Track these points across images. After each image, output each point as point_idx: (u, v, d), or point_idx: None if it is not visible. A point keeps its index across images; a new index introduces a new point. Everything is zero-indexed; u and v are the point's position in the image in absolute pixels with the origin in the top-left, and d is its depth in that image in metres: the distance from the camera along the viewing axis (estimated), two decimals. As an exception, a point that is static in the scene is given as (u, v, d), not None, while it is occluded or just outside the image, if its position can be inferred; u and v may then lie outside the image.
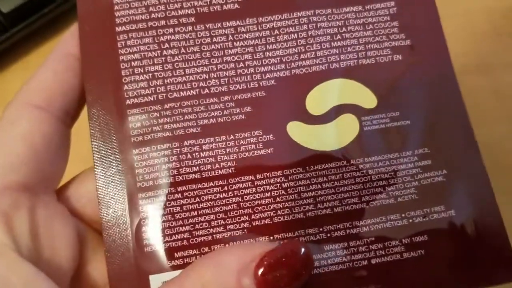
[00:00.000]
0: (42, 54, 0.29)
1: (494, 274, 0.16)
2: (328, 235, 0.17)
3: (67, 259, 0.17)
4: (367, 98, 0.18)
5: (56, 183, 0.18)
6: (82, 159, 0.19)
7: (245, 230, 0.17)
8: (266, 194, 0.17)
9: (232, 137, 0.17)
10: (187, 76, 0.18)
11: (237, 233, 0.17)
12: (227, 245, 0.16)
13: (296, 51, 0.18)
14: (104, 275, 0.18)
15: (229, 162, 0.17)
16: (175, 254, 0.16)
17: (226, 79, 0.18)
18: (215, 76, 0.18)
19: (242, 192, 0.17)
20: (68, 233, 0.17)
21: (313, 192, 0.17)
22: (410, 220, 0.17)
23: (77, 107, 0.18)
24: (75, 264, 0.17)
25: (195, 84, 0.18)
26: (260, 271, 0.14)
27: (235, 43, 0.18)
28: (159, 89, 0.18)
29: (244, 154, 0.17)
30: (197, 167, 0.17)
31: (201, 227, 0.17)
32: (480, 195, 0.17)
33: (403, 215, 0.17)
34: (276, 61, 0.18)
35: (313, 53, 0.18)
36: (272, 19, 0.18)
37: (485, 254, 0.16)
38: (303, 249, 0.15)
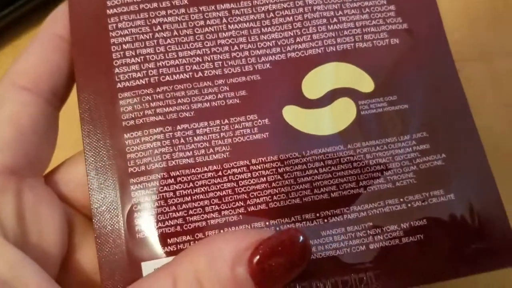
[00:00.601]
0: (32, 37, 0.28)
1: (495, 258, 0.16)
2: (325, 220, 0.16)
3: (55, 244, 0.16)
4: (364, 82, 0.18)
5: (44, 167, 0.17)
6: (72, 145, 0.19)
7: (240, 215, 0.16)
8: (262, 179, 0.17)
9: (226, 121, 0.17)
10: (180, 59, 0.17)
11: (232, 218, 0.16)
12: (221, 231, 0.16)
13: (292, 34, 0.18)
14: (93, 262, 0.17)
15: (223, 147, 0.17)
16: (168, 240, 0.16)
17: (220, 62, 0.18)
18: (209, 59, 0.18)
19: (237, 177, 0.17)
20: (56, 217, 0.17)
21: (309, 177, 0.17)
22: (409, 205, 0.17)
23: (65, 89, 0.18)
24: (64, 250, 0.17)
25: (188, 68, 0.17)
26: (255, 260, 0.14)
27: (229, 26, 0.18)
28: (151, 72, 0.17)
29: (239, 139, 0.17)
30: (191, 152, 0.17)
31: (195, 213, 0.16)
32: (480, 178, 0.17)
33: (401, 199, 0.17)
34: (271, 45, 0.18)
35: (309, 36, 0.18)
36: (267, 2, 0.18)
37: (486, 238, 0.16)
38: (301, 238, 0.14)
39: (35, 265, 0.14)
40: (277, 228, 0.16)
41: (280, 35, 0.18)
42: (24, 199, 0.16)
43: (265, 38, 0.18)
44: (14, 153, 0.16)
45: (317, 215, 0.17)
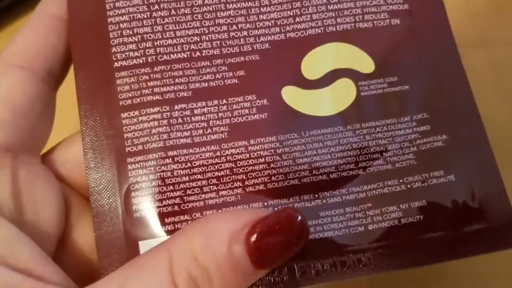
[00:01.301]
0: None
1: (496, 240, 0.16)
2: (324, 201, 0.16)
3: (51, 223, 0.16)
4: (364, 63, 0.18)
5: (40, 145, 0.17)
6: (68, 129, 0.19)
7: (239, 196, 0.16)
8: (260, 159, 0.17)
9: (224, 101, 0.17)
10: (177, 39, 0.17)
11: (230, 199, 0.16)
12: (219, 211, 0.16)
13: (291, 14, 0.18)
14: (90, 242, 0.17)
15: (221, 127, 0.17)
16: (166, 219, 0.16)
17: (218, 42, 0.17)
18: (207, 39, 0.17)
19: (235, 157, 0.17)
20: (52, 196, 0.17)
21: (308, 158, 0.17)
22: (409, 186, 0.17)
23: (61, 69, 0.18)
24: (60, 229, 0.17)
25: (186, 47, 0.17)
26: (252, 238, 0.14)
27: (227, 5, 0.18)
28: (148, 52, 0.17)
29: (237, 119, 0.17)
30: (189, 132, 0.17)
31: (193, 193, 0.16)
32: (481, 159, 0.17)
33: (401, 180, 0.17)
34: (270, 24, 0.18)
35: (309, 16, 0.18)
36: (266, -19, 0.18)
37: (486, 219, 0.16)
38: (299, 217, 0.14)
39: (30, 242, 0.14)
40: (275, 209, 0.16)
41: (279, 14, 0.18)
42: (19, 177, 0.16)
43: (264, 18, 0.18)
44: (9, 131, 0.16)
45: (316, 196, 0.17)
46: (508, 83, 0.26)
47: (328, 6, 0.18)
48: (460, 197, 0.17)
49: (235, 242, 0.14)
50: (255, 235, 0.14)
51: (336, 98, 0.18)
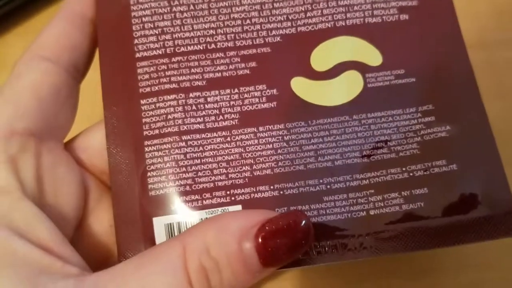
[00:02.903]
0: (44, 18, 0.29)
1: (497, 228, 0.17)
2: (328, 186, 0.17)
3: (71, 206, 0.18)
4: (372, 56, 0.19)
5: (63, 133, 0.19)
6: (90, 120, 0.20)
7: (247, 179, 0.17)
8: (268, 146, 0.18)
9: (236, 90, 0.18)
10: (194, 32, 0.19)
11: (238, 181, 0.17)
12: (228, 192, 0.17)
13: (303, 9, 0.19)
14: (106, 226, 0.19)
15: (232, 114, 0.18)
16: (178, 198, 0.17)
17: (232, 35, 0.19)
18: (222, 32, 0.19)
19: (244, 143, 0.18)
20: (73, 181, 0.18)
21: (314, 145, 0.18)
22: (411, 174, 0.17)
23: (84, 63, 0.19)
24: (79, 214, 0.18)
25: (202, 40, 0.19)
26: (261, 236, 0.15)
27: (242, 1, 0.19)
28: (167, 44, 0.19)
29: (248, 107, 0.18)
30: (202, 118, 0.18)
31: (204, 175, 0.17)
32: (484, 150, 0.17)
33: (403, 169, 0.17)
34: (282, 19, 0.19)
35: (320, 11, 0.19)
36: (280, -22, 0.19)
37: (488, 208, 0.17)
38: (304, 221, 0.15)
39: (50, 222, 0.16)
40: (281, 192, 0.17)
41: (291, 10, 0.19)
42: (42, 161, 0.17)
43: (277, 13, 0.19)
44: (34, 117, 0.17)
45: (320, 181, 0.18)
46: (507, 83, 0.26)
47: (338, 2, 0.19)
48: (461, 186, 0.17)
49: (245, 239, 0.15)
50: (263, 234, 0.15)
51: (344, 89, 0.18)
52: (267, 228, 0.15)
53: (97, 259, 0.18)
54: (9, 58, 0.18)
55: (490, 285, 0.22)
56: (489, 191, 0.17)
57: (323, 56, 0.19)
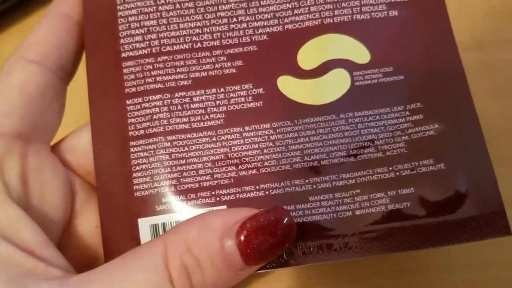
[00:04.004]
0: (41, 16, 0.29)
1: (484, 228, 0.16)
2: (314, 186, 0.17)
3: (57, 209, 0.18)
4: (360, 53, 0.19)
5: (50, 135, 0.19)
6: (77, 123, 0.20)
7: (232, 179, 0.17)
8: (254, 145, 0.18)
9: (222, 90, 0.18)
10: (180, 31, 0.19)
11: (223, 182, 0.17)
12: (213, 192, 0.17)
13: (290, 6, 0.19)
14: (93, 227, 0.19)
15: (218, 114, 0.18)
16: (163, 199, 0.17)
17: (218, 33, 0.19)
18: (208, 31, 0.19)
19: (230, 143, 0.18)
20: (59, 183, 0.18)
21: (300, 145, 0.18)
22: (398, 173, 0.17)
23: (71, 65, 0.19)
24: (66, 216, 0.18)
25: (188, 39, 0.19)
26: (243, 234, 0.15)
27: (229, -1, 0.19)
28: (153, 43, 0.19)
29: (234, 107, 0.18)
30: (187, 118, 0.18)
31: (189, 175, 0.17)
32: (473, 149, 0.17)
33: (390, 168, 0.17)
34: (269, 17, 0.19)
35: (307, 8, 0.19)
36: (266, -25, 0.19)
37: (475, 208, 0.17)
38: (286, 218, 0.15)
39: (34, 225, 0.16)
40: (267, 192, 0.17)
41: (278, 7, 0.19)
42: (28, 163, 0.17)
43: (263, 11, 0.19)
44: (20, 118, 0.17)
45: (306, 181, 0.17)
46: (501, 84, 0.26)
47: (326, -1, 0.19)
48: (449, 185, 0.17)
49: (227, 237, 0.15)
50: (245, 231, 0.15)
51: (330, 88, 0.18)
52: (248, 225, 0.15)
53: (85, 260, 0.18)
54: (6, 55, 0.18)
55: (481, 284, 0.22)
56: (478, 190, 0.17)
57: (310, 54, 0.19)
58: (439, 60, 0.19)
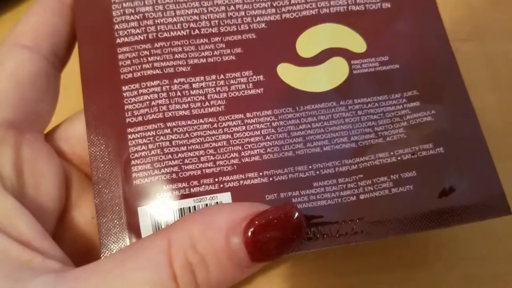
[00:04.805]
0: (33, 2, 0.29)
1: (484, 209, 0.17)
2: (317, 172, 0.17)
3: (52, 199, 0.17)
4: (356, 43, 0.19)
5: (44, 124, 0.18)
6: (69, 112, 0.20)
7: (235, 166, 0.17)
8: (256, 132, 0.18)
9: (222, 76, 0.18)
10: (177, 17, 0.18)
11: (226, 168, 0.17)
12: (216, 179, 0.17)
13: None
14: (89, 218, 0.18)
15: (219, 101, 0.18)
16: (164, 187, 0.17)
17: (216, 21, 0.19)
18: (206, 18, 0.19)
19: (232, 129, 0.17)
20: (54, 173, 0.17)
21: (302, 132, 0.18)
22: (399, 158, 0.18)
23: (65, 50, 0.19)
24: (61, 206, 0.18)
25: (185, 25, 0.18)
26: (250, 231, 0.14)
27: (226, -13, 0.19)
28: (149, 29, 0.18)
29: (234, 94, 0.18)
30: (187, 105, 0.18)
31: (190, 162, 0.17)
32: (469, 132, 0.18)
33: (391, 153, 0.18)
34: (266, 6, 0.19)
35: None
36: (263, -36, 0.19)
37: (475, 190, 0.17)
38: (296, 214, 0.15)
39: (30, 217, 0.15)
40: (271, 179, 0.17)
41: (275, -4, 0.19)
42: (22, 153, 0.17)
43: (261, 0, 0.19)
44: (13, 107, 0.17)
45: (309, 167, 0.17)
46: (501, 76, 0.27)
47: (322, -11, 0.19)
48: (449, 169, 0.18)
49: (233, 234, 0.14)
50: (253, 229, 0.14)
51: (330, 76, 0.19)
52: (256, 222, 0.14)
53: (80, 252, 0.17)
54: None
55: (484, 279, 0.22)
56: (476, 173, 0.17)
57: (309, 42, 0.19)
58: (430, 49, 0.19)
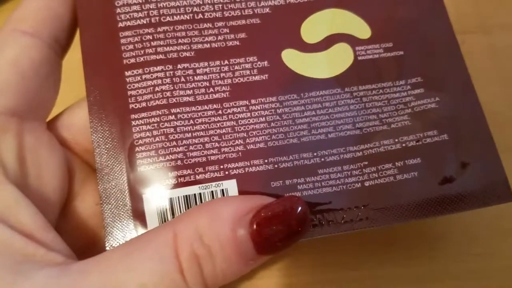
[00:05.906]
0: None
1: (488, 195, 0.17)
2: (322, 159, 0.17)
3: (55, 189, 0.17)
4: (361, 29, 0.19)
5: (46, 112, 0.18)
6: (72, 100, 0.19)
7: (240, 153, 0.17)
8: (261, 119, 0.17)
9: (226, 62, 0.18)
10: (180, 1, 0.18)
11: (231, 155, 0.17)
12: (221, 166, 0.17)
13: None
14: (92, 208, 0.18)
15: (223, 87, 0.18)
16: (169, 173, 0.17)
17: (220, 5, 0.18)
18: (209, 2, 0.18)
19: (237, 116, 0.17)
20: (56, 162, 0.17)
21: (307, 118, 0.18)
22: (404, 145, 0.18)
23: (66, 37, 0.18)
24: (63, 196, 0.18)
25: (188, 9, 0.18)
26: (256, 222, 0.14)
27: (229, -30, 0.19)
28: (152, 13, 0.18)
29: (239, 79, 0.18)
30: (191, 90, 0.17)
31: (195, 149, 0.17)
32: (472, 119, 0.18)
33: (396, 140, 0.18)
34: None
35: None
36: None
37: (479, 176, 0.17)
38: (300, 207, 0.15)
39: (33, 207, 0.15)
40: (276, 166, 0.17)
41: (279, -19, 0.19)
42: (24, 141, 0.16)
43: None
44: (15, 95, 0.16)
45: (314, 154, 0.17)
46: (507, 69, 0.27)
47: (327, -26, 0.19)
48: (453, 155, 0.18)
49: (240, 226, 0.14)
50: (259, 220, 0.14)
51: (334, 62, 0.19)
52: (262, 214, 0.14)
53: (84, 243, 0.17)
54: None
55: (492, 274, 0.22)
56: (480, 160, 0.18)
57: (313, 28, 0.19)
58: (434, 36, 0.19)
